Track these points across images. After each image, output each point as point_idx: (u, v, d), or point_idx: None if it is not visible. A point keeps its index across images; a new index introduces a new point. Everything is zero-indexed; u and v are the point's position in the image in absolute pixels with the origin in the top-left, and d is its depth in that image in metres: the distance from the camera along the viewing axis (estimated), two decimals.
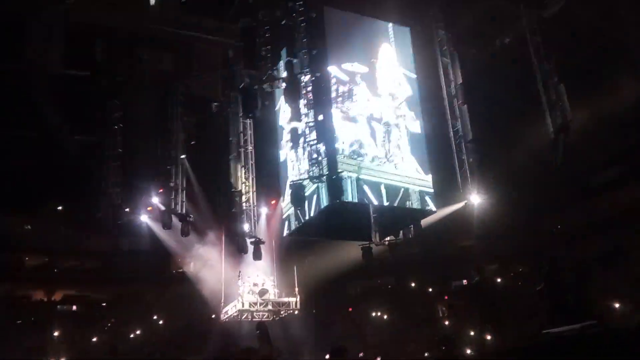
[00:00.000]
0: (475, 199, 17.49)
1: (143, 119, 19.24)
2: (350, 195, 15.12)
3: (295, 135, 16.10)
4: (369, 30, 17.29)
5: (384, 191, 15.79)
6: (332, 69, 15.98)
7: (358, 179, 15.39)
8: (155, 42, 18.01)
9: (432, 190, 16.43)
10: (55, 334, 29.50)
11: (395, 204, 15.92)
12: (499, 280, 31.03)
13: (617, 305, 23.80)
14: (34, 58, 15.73)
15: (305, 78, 15.11)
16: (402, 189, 16.09)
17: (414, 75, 17.59)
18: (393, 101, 17.00)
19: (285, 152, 17.59)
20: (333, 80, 15.95)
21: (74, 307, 31.78)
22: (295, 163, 16.83)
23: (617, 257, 23.71)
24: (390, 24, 17.61)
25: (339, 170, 14.76)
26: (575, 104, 16.74)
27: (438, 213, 17.23)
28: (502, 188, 19.05)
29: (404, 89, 17.33)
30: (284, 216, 17.71)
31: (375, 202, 15.67)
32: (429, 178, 16.53)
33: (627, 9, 16.23)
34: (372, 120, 16.44)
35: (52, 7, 15.80)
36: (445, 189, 17.72)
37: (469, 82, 18.09)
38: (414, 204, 16.15)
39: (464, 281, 32.11)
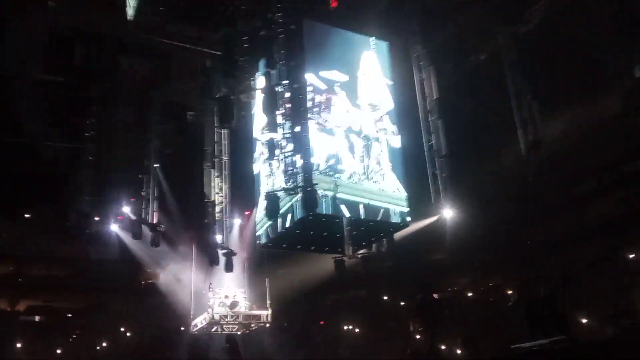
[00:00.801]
0: (448, 212, 17.71)
1: (119, 127, 19.13)
2: (324, 211, 14.94)
3: (271, 147, 16.14)
4: (349, 42, 17.28)
5: (362, 211, 15.63)
6: (309, 77, 15.86)
7: (335, 198, 15.12)
8: (134, 49, 17.98)
9: (407, 209, 16.45)
10: (18, 345, 28.76)
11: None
12: (469, 294, 31.31)
13: (584, 320, 24.24)
14: (14, 63, 15.56)
15: (283, 90, 15.19)
16: (382, 209, 15.97)
17: (391, 85, 17.53)
18: (374, 113, 16.84)
19: (259, 164, 17.57)
20: (309, 89, 15.74)
21: (37, 318, 31.08)
22: (269, 175, 16.81)
23: (592, 269, 24.12)
24: (371, 38, 17.71)
25: (315, 183, 14.76)
26: (552, 117, 17.09)
27: (411, 226, 17.36)
28: (475, 202, 19.33)
29: (386, 100, 17.18)
30: (258, 228, 17.69)
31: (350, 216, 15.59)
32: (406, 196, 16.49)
33: (604, 23, 16.54)
34: (350, 133, 16.23)
35: (33, 12, 15.66)
36: (419, 202, 17.92)
37: (445, 97, 18.34)
38: (392, 219, 16.25)
39: (435, 295, 32.28)
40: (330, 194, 15.04)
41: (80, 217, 18.34)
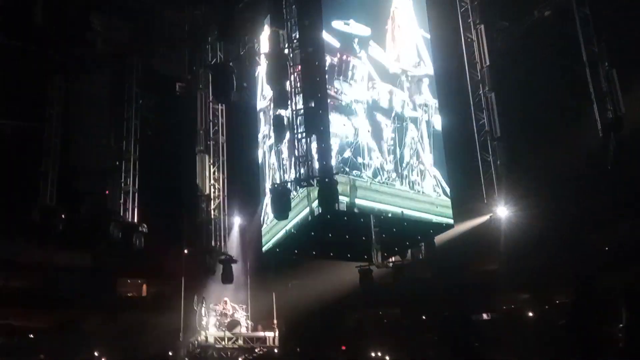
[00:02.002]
0: (503, 211, 17.57)
1: (90, 102, 19.20)
2: None
3: (279, 126, 15.97)
4: None
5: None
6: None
7: (352, 206, 14.50)
8: (108, 6, 17.99)
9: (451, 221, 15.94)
10: None
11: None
12: (530, 314, 31.10)
13: None
14: None
15: (294, 54, 15.06)
16: (419, 222, 15.53)
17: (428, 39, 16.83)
18: (410, 81, 16.40)
19: (264, 148, 17.50)
20: None
21: None
22: (277, 163, 16.73)
23: None
24: None
25: (335, 172, 14.54)
26: (629, 95, 16.82)
27: (456, 228, 17.25)
28: (537, 198, 19.11)
29: (425, 62, 16.72)
30: (263, 228, 17.66)
31: None
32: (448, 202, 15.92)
33: None
34: (375, 111, 15.73)
35: None
36: (465, 198, 17.77)
37: (499, 65, 18.15)
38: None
39: (485, 315, 32.17)
40: (345, 199, 14.31)
41: (45, 214, 18.44)
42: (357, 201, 14.48)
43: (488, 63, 18.05)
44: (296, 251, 17.70)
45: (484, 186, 17.79)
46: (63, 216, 19.30)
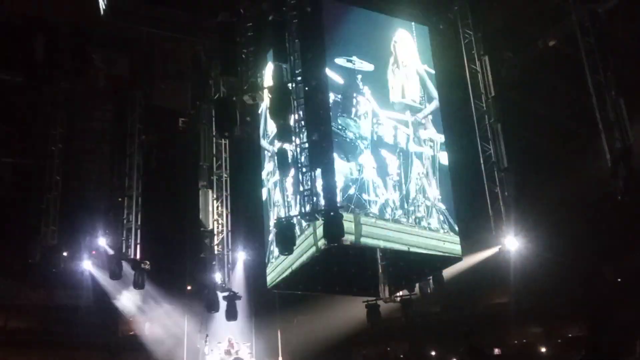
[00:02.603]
0: (512, 242, 17.42)
1: (91, 137, 19.31)
2: None
3: (283, 160, 15.99)
4: (379, 25, 16.82)
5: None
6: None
7: (357, 244, 14.34)
8: (109, 40, 18.16)
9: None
10: None
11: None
12: (543, 349, 30.80)
13: None
14: None
15: (297, 88, 15.14)
16: (427, 257, 15.47)
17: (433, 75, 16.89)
18: (414, 116, 16.37)
19: (268, 186, 17.49)
20: None
21: None
22: (282, 198, 16.70)
23: None
24: (409, 21, 17.36)
25: (339, 206, 14.52)
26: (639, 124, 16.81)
27: (465, 261, 17.14)
28: (547, 228, 19.04)
29: (429, 97, 16.72)
30: (267, 267, 17.58)
31: None
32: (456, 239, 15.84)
33: None
34: (380, 148, 15.69)
35: None
36: (474, 230, 17.70)
37: (504, 95, 18.20)
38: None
39: (496, 350, 31.87)
40: (350, 238, 14.11)
41: (45, 252, 18.46)
42: (363, 239, 14.34)
43: (493, 94, 18.03)
44: (301, 287, 17.56)
45: (493, 218, 17.66)
46: (65, 254, 19.39)
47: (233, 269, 20.34)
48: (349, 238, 14.02)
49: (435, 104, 17.01)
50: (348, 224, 13.98)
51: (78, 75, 18.66)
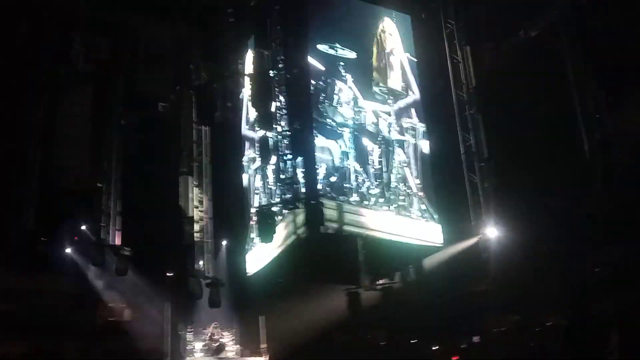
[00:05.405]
0: (492, 232, 17.58)
1: (72, 122, 19.15)
2: None
3: (264, 148, 16.03)
4: (362, 13, 16.86)
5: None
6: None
7: (340, 232, 14.57)
8: (91, 24, 17.99)
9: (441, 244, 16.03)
10: None
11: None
12: (521, 337, 30.98)
13: None
14: None
15: (279, 75, 15.10)
16: (408, 246, 15.65)
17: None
18: (396, 104, 16.45)
19: (249, 172, 17.46)
20: None
21: None
22: (262, 185, 16.68)
23: None
24: (390, 10, 17.48)
25: (320, 194, 14.54)
26: (624, 110, 16.87)
27: (445, 250, 17.26)
28: (527, 219, 19.15)
29: (411, 86, 16.81)
30: (247, 254, 17.58)
31: None
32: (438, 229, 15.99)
33: None
34: (362, 135, 15.81)
35: None
36: (454, 220, 17.78)
37: (485, 86, 18.23)
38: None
39: (475, 338, 32.05)
40: (333, 226, 14.37)
41: (24, 237, 18.33)
42: (346, 227, 14.53)
43: (474, 84, 18.12)
44: (283, 276, 17.60)
45: (472, 207, 17.78)
46: (45, 239, 19.25)
47: (216, 256, 20.28)
48: (332, 226, 14.17)
49: (417, 92, 16.98)
50: (331, 212, 14.16)
51: (60, 59, 18.50)
